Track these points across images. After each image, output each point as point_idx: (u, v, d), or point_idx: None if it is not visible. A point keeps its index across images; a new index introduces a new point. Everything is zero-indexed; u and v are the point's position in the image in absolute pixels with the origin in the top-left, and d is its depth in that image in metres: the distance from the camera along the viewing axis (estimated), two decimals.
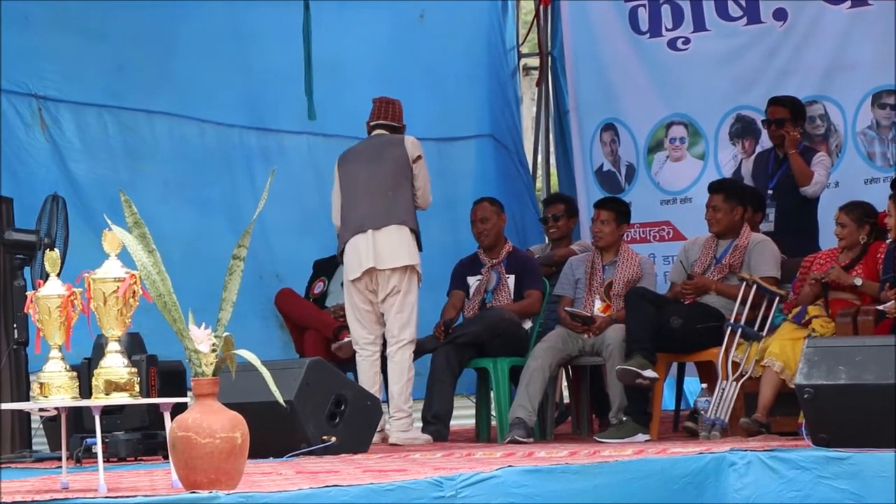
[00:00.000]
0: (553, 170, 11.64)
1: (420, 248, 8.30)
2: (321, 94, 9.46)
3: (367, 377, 8.28)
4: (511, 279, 8.82)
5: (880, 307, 7.51)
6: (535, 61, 11.64)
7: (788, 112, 9.17)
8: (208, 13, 9.72)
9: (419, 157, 8.33)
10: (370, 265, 8.19)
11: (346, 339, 8.57)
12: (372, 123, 8.51)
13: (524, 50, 11.73)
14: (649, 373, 7.85)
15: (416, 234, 8.29)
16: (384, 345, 8.36)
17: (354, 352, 8.41)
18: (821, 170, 9.02)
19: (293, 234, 9.94)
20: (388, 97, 8.56)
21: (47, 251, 5.63)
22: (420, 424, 8.44)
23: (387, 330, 8.31)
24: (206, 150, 9.84)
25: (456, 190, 10.65)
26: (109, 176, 9.24)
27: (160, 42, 9.56)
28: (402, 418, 8.23)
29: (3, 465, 7.19)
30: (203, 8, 9.69)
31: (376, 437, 7.82)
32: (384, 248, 8.19)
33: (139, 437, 7.29)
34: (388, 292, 8.23)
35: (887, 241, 7.89)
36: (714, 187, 8.57)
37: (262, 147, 10.09)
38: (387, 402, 8.53)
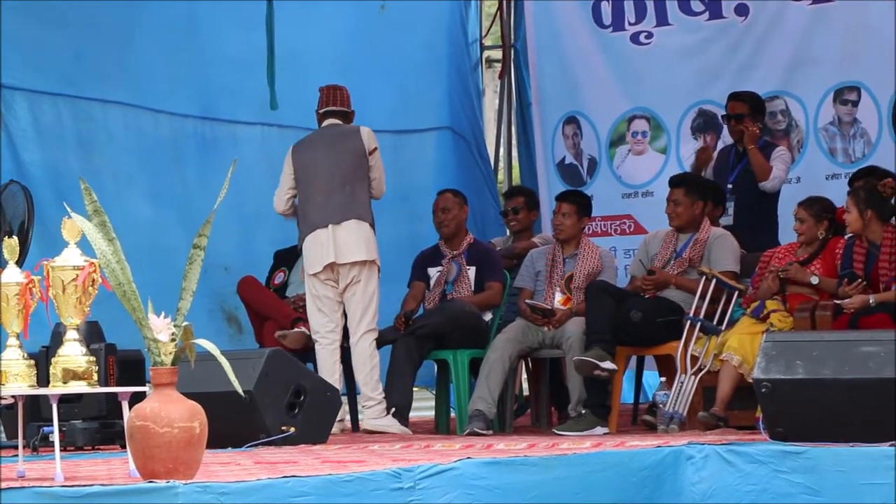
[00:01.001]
0: (515, 162, 11.65)
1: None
2: (279, 85, 9.44)
3: (327, 367, 8.29)
4: (472, 271, 8.83)
5: (839, 302, 7.56)
6: (497, 54, 11.65)
7: (747, 107, 9.20)
8: (166, 3, 9.68)
9: (375, 149, 8.39)
10: (331, 259, 8.22)
11: (295, 330, 8.56)
12: (322, 111, 8.53)
13: (487, 42, 11.74)
14: (607, 364, 7.87)
15: (373, 228, 8.33)
16: (344, 336, 8.37)
17: (303, 343, 8.41)
18: (780, 164, 9.06)
19: (242, 227, 9.91)
20: (335, 84, 8.58)
21: (5, 238, 5.59)
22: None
23: (348, 320, 8.34)
24: (159, 140, 9.81)
25: (412, 182, 10.65)
26: (61, 166, 9.21)
27: (118, 31, 9.53)
28: (373, 405, 8.25)
29: None
30: None
31: (335, 428, 7.81)
32: (344, 242, 8.24)
33: (97, 426, 7.26)
34: (349, 282, 8.27)
35: (845, 237, 7.94)
36: (675, 181, 8.60)
37: (214, 138, 10.06)
38: (346, 393, 8.53)
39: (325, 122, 8.52)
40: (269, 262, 9.36)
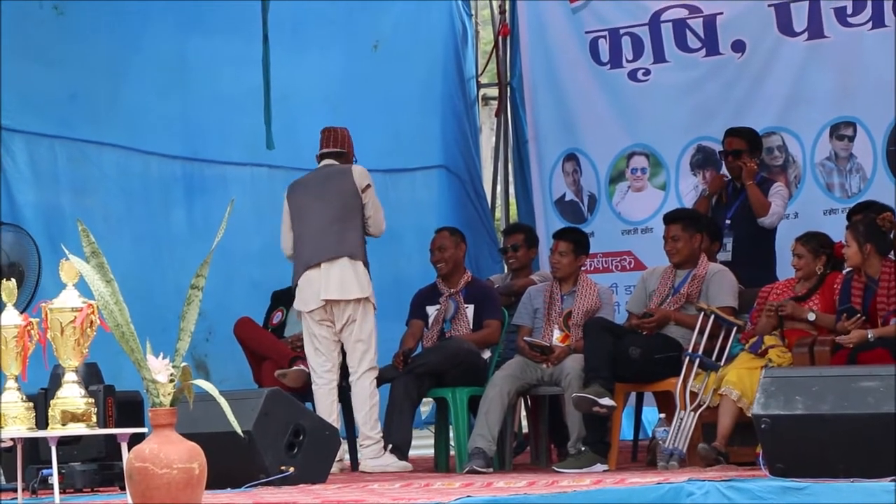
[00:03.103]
0: (512, 200, 11.67)
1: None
2: (272, 125, 9.45)
3: (325, 406, 8.28)
4: (470, 309, 8.83)
5: (838, 339, 7.55)
6: (494, 91, 11.66)
7: (745, 143, 9.22)
8: (161, 42, 9.72)
9: (368, 186, 8.39)
10: (323, 297, 8.23)
11: (294, 369, 8.55)
12: (319, 154, 8.57)
13: (483, 80, 11.76)
14: (606, 401, 7.86)
15: (367, 265, 8.32)
16: (341, 375, 8.37)
17: (303, 382, 8.41)
18: (778, 200, 9.07)
19: (222, 269, 9.82)
20: (334, 126, 8.61)
21: (3, 281, 5.60)
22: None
23: (348, 360, 8.33)
24: (148, 182, 9.81)
25: (404, 221, 10.63)
26: (53, 208, 9.23)
27: (112, 70, 9.56)
28: (370, 445, 8.24)
29: None
30: (156, 37, 9.70)
31: (335, 467, 7.80)
32: (337, 280, 8.25)
33: (96, 467, 7.24)
34: (345, 322, 8.27)
35: (844, 272, 7.95)
36: (670, 217, 8.61)
37: (203, 179, 10.05)
38: (346, 435, 8.52)
39: (322, 164, 8.55)
40: (247, 305, 9.34)
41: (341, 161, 8.53)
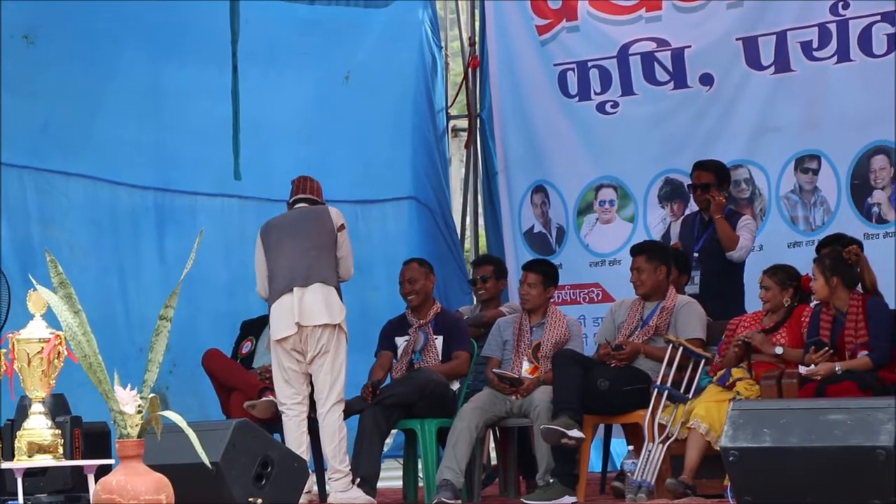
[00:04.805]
0: (482, 231, 11.68)
1: None
2: (241, 155, 9.44)
3: (294, 438, 8.24)
4: (439, 340, 8.83)
5: (803, 372, 7.58)
6: (463, 123, 11.69)
7: (713, 176, 9.25)
8: (134, 72, 9.72)
9: (342, 227, 8.40)
10: (296, 321, 8.19)
11: (263, 399, 8.52)
12: (292, 199, 8.54)
13: (453, 112, 11.78)
14: (575, 433, 7.86)
15: (340, 294, 8.32)
16: (310, 407, 8.34)
17: (272, 413, 8.39)
18: (746, 234, 9.10)
19: (186, 299, 9.80)
20: (307, 176, 8.61)
21: None
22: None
23: (315, 392, 8.29)
24: (116, 213, 9.79)
25: (374, 252, 10.65)
26: (21, 239, 9.19)
27: (85, 101, 9.54)
28: (339, 478, 8.21)
29: None
30: (129, 66, 9.69)
31: (303, 499, 7.77)
32: (311, 305, 8.21)
33: (62, 499, 7.19)
34: (318, 352, 8.22)
35: (812, 304, 7.98)
36: (635, 250, 8.63)
37: (173, 209, 10.04)
38: (314, 469, 8.49)
39: (295, 207, 8.53)
40: (213, 337, 9.32)
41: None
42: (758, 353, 7.93)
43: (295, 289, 8.23)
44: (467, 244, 11.63)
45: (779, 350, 7.86)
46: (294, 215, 8.48)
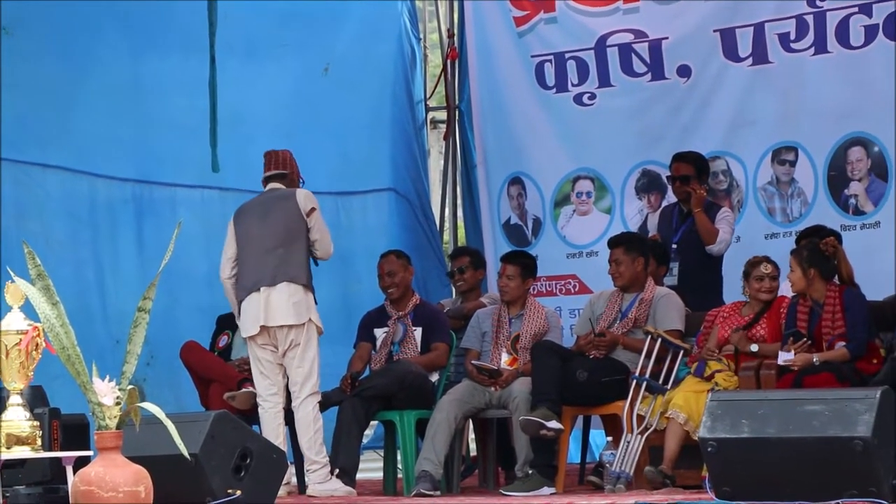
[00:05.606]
0: (460, 223, 11.68)
1: (315, 302, 8.30)
2: (221, 147, 9.42)
3: (271, 429, 8.24)
4: (418, 332, 8.83)
5: (780, 362, 7.60)
6: (442, 115, 11.69)
7: (693, 168, 9.26)
8: (112, 64, 9.69)
9: (313, 210, 8.33)
10: (261, 323, 8.19)
11: (243, 390, 8.52)
12: (265, 177, 8.53)
13: (432, 103, 11.78)
14: (553, 424, 7.87)
15: (310, 289, 8.27)
16: (287, 398, 8.34)
17: (252, 404, 8.38)
18: (725, 227, 9.10)
19: (165, 291, 9.78)
20: (276, 149, 8.58)
21: None
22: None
23: (290, 384, 8.28)
24: (95, 205, 9.76)
25: (354, 244, 10.64)
26: None
27: (62, 94, 9.51)
28: (317, 470, 8.20)
29: None
30: (108, 58, 9.67)
31: (282, 490, 7.77)
32: (277, 306, 8.19)
33: (41, 491, 7.19)
34: (287, 347, 8.23)
35: (790, 296, 8.00)
36: (613, 241, 8.64)
37: (152, 201, 10.02)
38: (293, 460, 8.48)
39: (268, 187, 8.52)
40: (191, 329, 9.30)
41: (285, 182, 8.49)
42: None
43: (262, 288, 8.22)
44: (446, 236, 11.64)
45: (754, 348, 7.88)
46: (262, 202, 8.43)
